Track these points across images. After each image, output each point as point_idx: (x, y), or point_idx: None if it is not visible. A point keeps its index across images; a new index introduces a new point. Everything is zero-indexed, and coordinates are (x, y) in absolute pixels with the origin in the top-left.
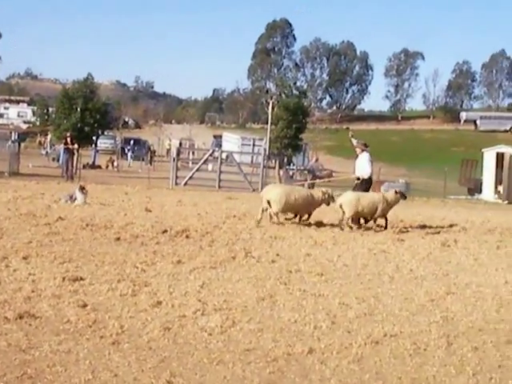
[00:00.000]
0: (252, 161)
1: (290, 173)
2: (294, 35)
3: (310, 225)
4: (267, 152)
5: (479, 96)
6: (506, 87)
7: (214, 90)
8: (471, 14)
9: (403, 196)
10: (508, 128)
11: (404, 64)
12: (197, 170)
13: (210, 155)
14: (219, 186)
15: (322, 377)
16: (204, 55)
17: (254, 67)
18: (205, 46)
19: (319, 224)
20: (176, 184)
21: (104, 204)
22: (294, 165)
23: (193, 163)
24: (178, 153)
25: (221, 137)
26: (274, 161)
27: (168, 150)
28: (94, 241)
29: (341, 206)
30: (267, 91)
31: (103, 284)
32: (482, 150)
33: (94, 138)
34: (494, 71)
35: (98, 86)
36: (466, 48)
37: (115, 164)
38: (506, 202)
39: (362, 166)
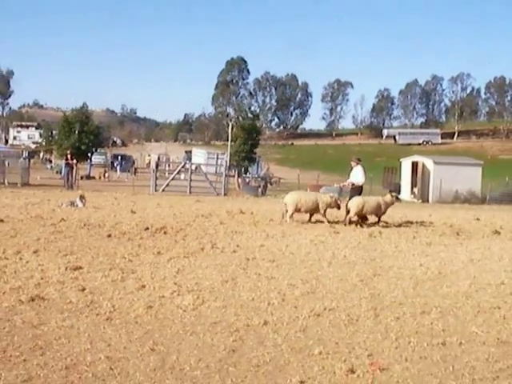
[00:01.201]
0: (216, 171)
1: (247, 180)
2: (248, 70)
3: (315, 222)
4: (228, 164)
5: (397, 116)
6: (418, 109)
7: (185, 115)
8: (389, 51)
9: (398, 199)
10: (421, 141)
11: (337, 91)
12: (172, 179)
13: (183, 167)
14: (190, 192)
15: (275, 343)
16: (177, 87)
17: (217, 96)
18: (177, 79)
19: (271, 221)
20: (155, 190)
21: (98, 208)
22: (249, 173)
23: (169, 173)
24: (157, 165)
25: (191, 152)
26: (233, 170)
27: (148, 163)
28: (90, 237)
29: (347, 207)
30: (227, 115)
31: (98, 272)
32: (400, 159)
33: (89, 154)
34: (409, 96)
35: (92, 112)
36: (386, 77)
37: (106, 175)
38: (420, 201)
39: (357, 175)
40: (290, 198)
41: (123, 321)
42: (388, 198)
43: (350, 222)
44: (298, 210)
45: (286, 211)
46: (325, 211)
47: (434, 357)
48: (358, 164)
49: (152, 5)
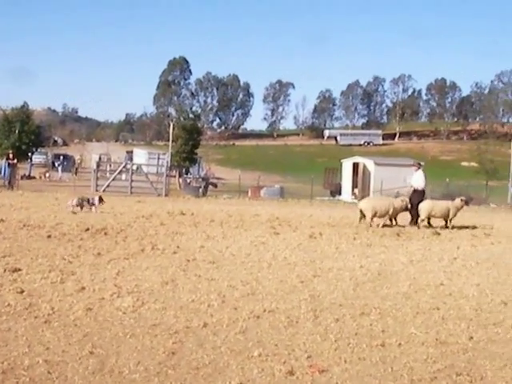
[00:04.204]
0: (157, 171)
1: (188, 180)
2: (190, 70)
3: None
4: (169, 164)
5: (339, 117)
6: (359, 110)
7: (126, 114)
8: (331, 51)
9: (467, 203)
10: (362, 142)
11: (278, 92)
12: (113, 179)
13: (124, 167)
14: (131, 192)
15: (215, 345)
16: (118, 86)
17: (159, 96)
18: (119, 78)
19: (212, 222)
20: (96, 190)
21: (38, 208)
22: (190, 174)
23: (110, 174)
24: (98, 165)
25: (132, 152)
26: (174, 171)
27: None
28: (30, 238)
29: (420, 211)
30: (169, 115)
31: (37, 274)
32: (342, 160)
33: (30, 154)
34: (351, 97)
35: (33, 112)
36: (327, 78)
37: (47, 175)
38: None
39: (418, 180)
40: (366, 204)
41: (62, 323)
42: (457, 202)
43: (417, 224)
44: (374, 215)
45: (363, 217)
46: (396, 215)
47: (373, 358)
48: (419, 169)
49: (94, 3)
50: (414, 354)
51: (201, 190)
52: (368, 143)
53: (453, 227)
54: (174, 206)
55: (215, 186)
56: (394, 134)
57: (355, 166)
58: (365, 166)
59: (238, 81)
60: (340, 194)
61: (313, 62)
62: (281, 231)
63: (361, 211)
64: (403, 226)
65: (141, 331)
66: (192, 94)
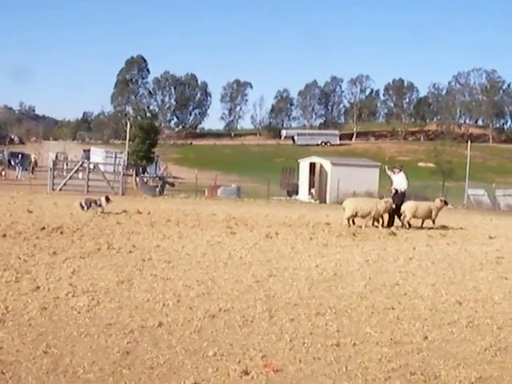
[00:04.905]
0: (114, 170)
1: (145, 179)
2: (148, 69)
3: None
4: (126, 163)
5: (296, 117)
6: (317, 110)
7: (83, 113)
8: (288, 50)
9: (446, 203)
10: (319, 142)
11: (236, 92)
12: (69, 178)
13: (81, 166)
14: (88, 191)
15: (170, 345)
16: (76, 85)
17: (116, 94)
18: (77, 77)
19: (168, 221)
20: (53, 189)
21: None
22: (147, 173)
23: (67, 172)
24: (55, 164)
25: (89, 151)
26: (131, 170)
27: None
28: None
29: (403, 212)
30: (126, 114)
31: None
32: (299, 160)
33: None
34: (308, 97)
35: None
36: (285, 78)
37: (3, 173)
38: (318, 201)
39: (400, 182)
40: (348, 203)
41: (16, 323)
42: (437, 202)
43: (409, 225)
44: (355, 215)
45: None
46: (380, 216)
47: (327, 358)
48: (400, 171)
49: (51, 2)
50: (369, 353)
51: (157, 189)
52: (325, 143)
53: (431, 227)
54: (131, 205)
55: (172, 185)
56: (352, 135)
57: (312, 166)
58: (322, 166)
59: (196, 80)
60: (297, 193)
61: (271, 61)
62: (237, 231)
63: (344, 210)
64: (360, 226)
65: (96, 331)
66: (150, 92)
